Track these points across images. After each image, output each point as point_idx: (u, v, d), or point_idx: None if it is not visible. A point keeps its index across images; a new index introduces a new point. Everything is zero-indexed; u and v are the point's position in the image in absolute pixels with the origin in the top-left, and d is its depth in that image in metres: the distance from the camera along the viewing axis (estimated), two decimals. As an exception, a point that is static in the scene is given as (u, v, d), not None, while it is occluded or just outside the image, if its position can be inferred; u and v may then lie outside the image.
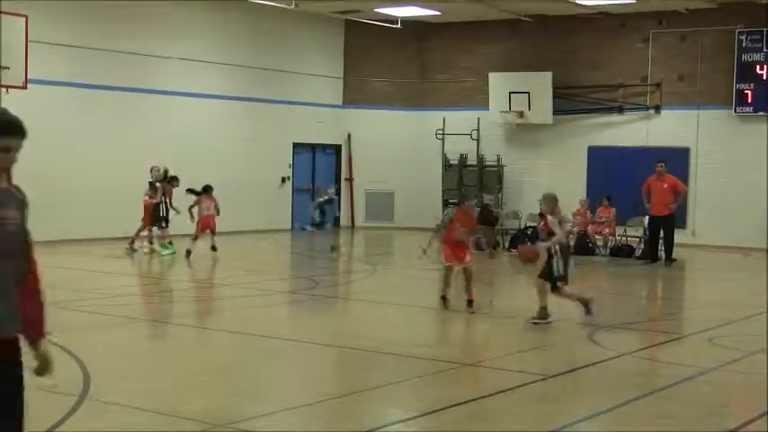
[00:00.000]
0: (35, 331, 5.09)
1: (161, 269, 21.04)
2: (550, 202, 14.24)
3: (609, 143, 28.98)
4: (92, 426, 8.04)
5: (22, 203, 5.00)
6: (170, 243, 22.59)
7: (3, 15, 20.56)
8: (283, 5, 27.11)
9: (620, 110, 29.14)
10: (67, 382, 9.36)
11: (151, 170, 22.87)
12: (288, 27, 30.02)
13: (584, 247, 24.93)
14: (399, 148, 32.06)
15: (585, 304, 14.16)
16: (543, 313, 13.81)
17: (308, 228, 30.23)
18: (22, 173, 19.39)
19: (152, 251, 22.56)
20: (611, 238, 25.33)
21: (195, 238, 21.79)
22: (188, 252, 21.42)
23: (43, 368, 5.28)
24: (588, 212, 25.67)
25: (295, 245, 27.95)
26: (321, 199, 29.98)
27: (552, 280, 13.98)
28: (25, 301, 4.95)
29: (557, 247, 13.89)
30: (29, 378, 9.40)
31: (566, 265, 14.02)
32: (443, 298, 14.98)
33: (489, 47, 31.07)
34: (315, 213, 30.76)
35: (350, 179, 32.72)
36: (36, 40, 21.79)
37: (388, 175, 32.03)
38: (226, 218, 26.82)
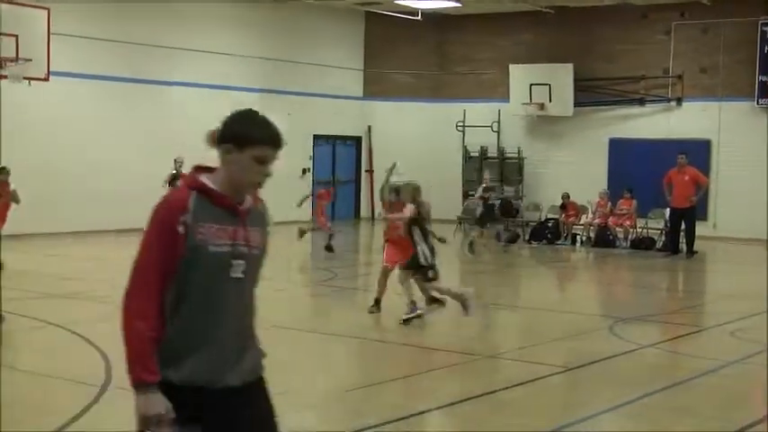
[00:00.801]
0: None
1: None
2: (408, 190, 13.61)
3: (630, 135, 28.87)
4: (113, 414, 8.08)
5: (265, 222, 4.40)
6: None
7: (26, 8, 20.66)
8: (304, -3, 27.13)
9: (642, 102, 29.03)
10: (90, 372, 9.43)
11: (176, 161, 23.04)
12: (308, 19, 30.03)
13: (604, 239, 24.88)
14: (420, 140, 32.01)
15: (463, 302, 12.93)
16: (413, 306, 12.91)
17: (473, 231, 24.09)
18: (44, 165, 19.48)
19: None
20: (631, 230, 25.26)
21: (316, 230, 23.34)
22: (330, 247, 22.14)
23: None
24: (609, 204, 25.60)
25: (315, 236, 27.96)
26: (483, 185, 24.85)
27: (420, 270, 12.95)
28: None
29: (419, 234, 13.03)
30: (48, 367, 9.46)
31: (433, 256, 13.04)
32: (376, 301, 13.73)
33: (510, 39, 31.00)
34: (477, 209, 24.74)
35: (370, 171, 32.72)
36: (58, 32, 21.86)
37: (409, 167, 31.93)
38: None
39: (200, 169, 4.16)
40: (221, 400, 4.07)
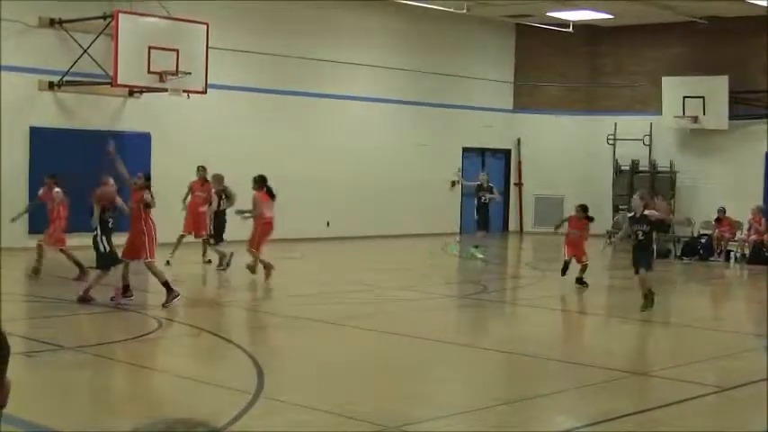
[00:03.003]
0: None
1: (336, 271, 21.31)
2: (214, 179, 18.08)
3: (788, 149, 28.01)
4: (265, 423, 8.25)
5: None
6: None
7: (185, 23, 21.30)
8: (455, 10, 27.20)
9: (801, 114, 28.11)
10: (243, 379, 9.65)
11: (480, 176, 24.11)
12: (459, 32, 30.11)
13: (760, 256, 24.16)
14: (569, 153, 31.76)
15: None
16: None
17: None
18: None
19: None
20: (790, 247, 24.47)
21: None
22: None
23: None
24: (763, 220, 24.85)
25: (464, 249, 27.98)
26: None
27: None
28: None
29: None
30: (201, 373, 9.71)
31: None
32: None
33: (662, 50, 30.47)
34: None
35: (519, 184, 32.59)
36: (216, 46, 22.45)
37: (558, 180, 31.77)
38: (395, 221, 27.08)
39: None
40: None
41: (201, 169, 20.71)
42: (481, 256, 23.09)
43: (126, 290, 14.52)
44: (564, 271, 18.65)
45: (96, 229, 14.36)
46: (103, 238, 14.31)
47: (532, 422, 8.83)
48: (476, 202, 24.22)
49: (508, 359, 11.95)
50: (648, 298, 15.04)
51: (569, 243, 18.84)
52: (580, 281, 18.26)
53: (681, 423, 8.81)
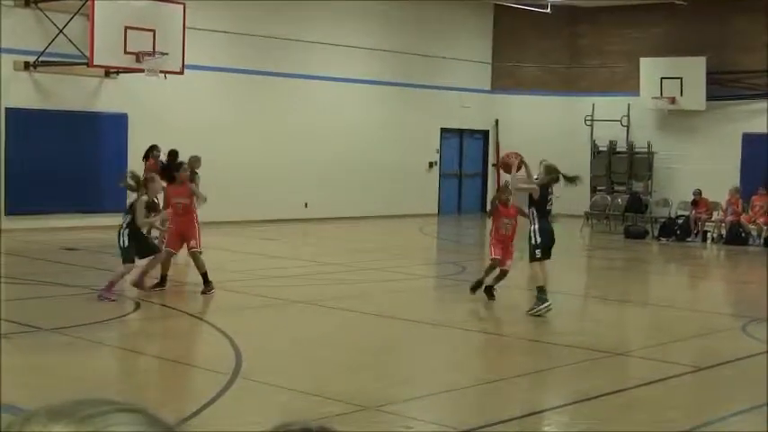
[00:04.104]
0: None
1: (314, 252, 21.31)
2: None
3: (765, 130, 28.07)
4: (242, 403, 8.24)
5: None
6: None
7: (162, 4, 21.16)
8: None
9: (777, 95, 28.19)
10: (220, 360, 9.63)
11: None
12: (437, 12, 30.03)
13: (737, 236, 24.28)
14: (547, 133, 31.73)
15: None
16: None
17: None
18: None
19: None
20: (765, 227, 24.59)
21: None
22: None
23: None
24: (740, 201, 24.95)
25: (442, 230, 28.02)
26: None
27: None
28: None
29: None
30: (179, 353, 9.68)
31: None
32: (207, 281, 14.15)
33: (641, 31, 30.47)
34: None
35: (497, 165, 32.58)
36: (193, 26, 22.32)
37: (536, 160, 31.70)
38: (373, 202, 27.03)
39: None
40: None
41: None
42: None
43: (163, 281, 14.26)
44: (477, 286, 14.41)
45: (127, 220, 13.50)
46: (127, 230, 13.43)
47: (512, 402, 8.84)
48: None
49: (487, 339, 11.98)
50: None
51: (499, 239, 14.48)
52: (490, 290, 14.30)
53: (658, 401, 8.84)
